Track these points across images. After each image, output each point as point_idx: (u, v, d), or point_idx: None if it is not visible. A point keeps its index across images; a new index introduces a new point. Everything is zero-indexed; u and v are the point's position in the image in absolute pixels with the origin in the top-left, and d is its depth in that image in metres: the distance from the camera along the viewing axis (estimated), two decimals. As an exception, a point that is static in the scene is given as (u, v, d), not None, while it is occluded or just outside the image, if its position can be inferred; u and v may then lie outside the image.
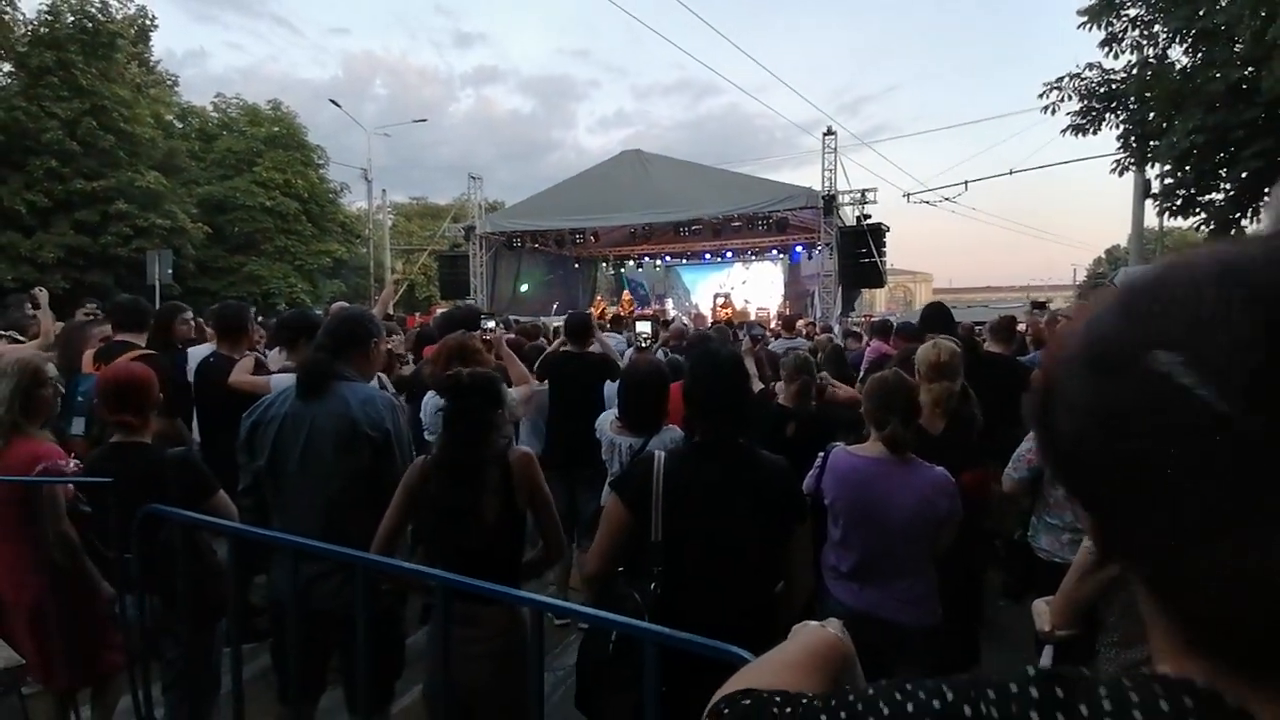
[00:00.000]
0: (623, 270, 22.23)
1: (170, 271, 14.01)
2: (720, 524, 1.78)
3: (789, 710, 0.57)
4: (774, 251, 19.10)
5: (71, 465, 2.43)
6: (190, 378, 3.65)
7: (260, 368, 3.65)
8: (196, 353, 3.82)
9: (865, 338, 7.37)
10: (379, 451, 2.19)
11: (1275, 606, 0.38)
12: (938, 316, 4.41)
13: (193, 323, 4.21)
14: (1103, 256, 45.27)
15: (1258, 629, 0.40)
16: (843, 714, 0.53)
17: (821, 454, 2.45)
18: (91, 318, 4.62)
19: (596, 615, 1.50)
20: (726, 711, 0.61)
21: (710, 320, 15.52)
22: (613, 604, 1.73)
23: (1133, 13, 8.92)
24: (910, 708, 0.49)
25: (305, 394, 2.21)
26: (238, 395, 3.24)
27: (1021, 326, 6.27)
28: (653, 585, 1.74)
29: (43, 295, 4.43)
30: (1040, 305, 8.56)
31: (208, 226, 21.79)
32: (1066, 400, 0.45)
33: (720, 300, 18.15)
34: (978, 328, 5.72)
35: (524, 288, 18.10)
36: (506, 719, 1.99)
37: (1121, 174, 10.08)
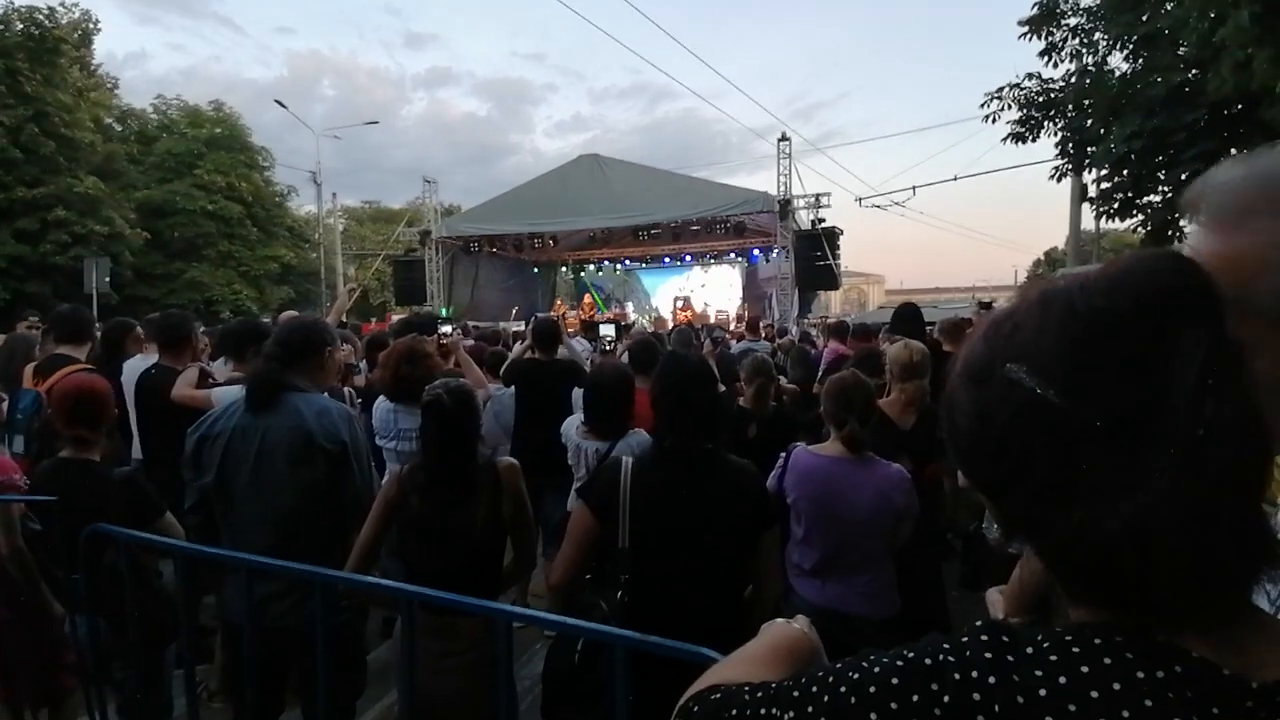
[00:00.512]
0: (582, 274, 22.18)
1: (108, 280, 13.35)
2: (688, 530, 1.77)
3: (759, 695, 0.58)
4: (732, 255, 19.32)
5: (22, 480, 2.30)
6: (129, 390, 3.49)
7: (205, 379, 3.51)
8: (133, 365, 3.65)
9: (822, 339, 7.52)
10: (335, 464, 2.13)
11: (1121, 566, 0.46)
12: (910, 317, 4.46)
13: (142, 337, 4.02)
14: (1041, 258, 47.11)
15: (1120, 585, 0.47)
16: (814, 689, 0.55)
17: (783, 454, 2.50)
18: (34, 329, 4.41)
19: (566, 623, 1.49)
20: (696, 709, 0.62)
21: (671, 323, 15.60)
22: (579, 613, 1.71)
23: (1073, 22, 9.31)
24: (877, 670, 0.53)
25: (255, 406, 2.14)
26: (181, 409, 3.11)
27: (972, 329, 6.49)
28: (619, 593, 1.73)
29: None
30: (986, 305, 8.88)
31: (146, 232, 20.90)
32: (957, 404, 0.55)
33: (680, 303, 18.27)
34: (928, 327, 5.88)
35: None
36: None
37: (1060, 180, 10.53)
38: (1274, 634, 0.48)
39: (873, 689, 0.52)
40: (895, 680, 0.51)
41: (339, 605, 1.97)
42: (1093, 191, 10.36)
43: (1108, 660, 0.47)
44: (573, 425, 3.19)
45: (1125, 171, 9.21)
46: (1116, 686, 0.45)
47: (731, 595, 1.84)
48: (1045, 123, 9.79)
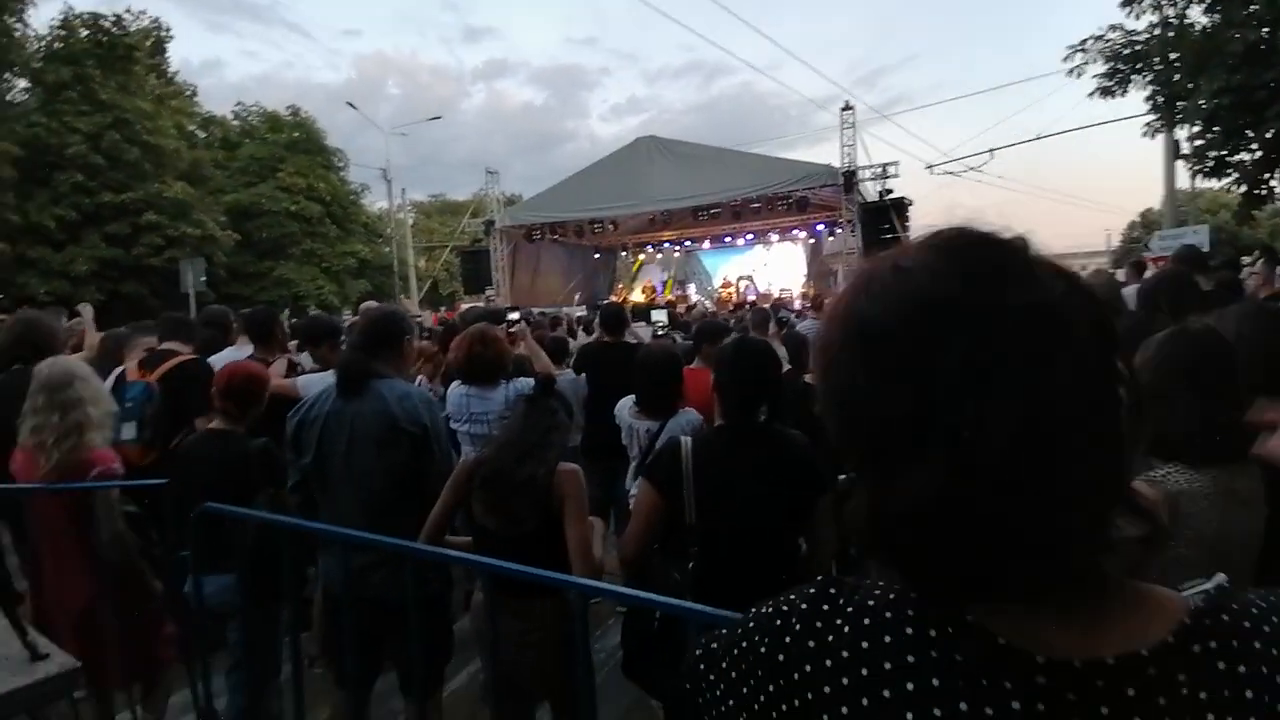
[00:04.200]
0: (642, 257, 22.18)
1: (204, 279, 14.33)
2: (750, 503, 1.84)
3: (723, 629, 0.61)
4: (795, 231, 18.89)
5: (119, 468, 2.50)
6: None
7: (293, 369, 3.75)
8: (227, 356, 3.90)
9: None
10: (418, 446, 2.25)
11: (905, 547, 0.48)
12: None
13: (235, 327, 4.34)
14: (1137, 220, 43.79)
15: (911, 563, 0.49)
16: (736, 627, 0.59)
17: None
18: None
19: (640, 597, 1.54)
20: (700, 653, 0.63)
21: (714, 303, 15.46)
22: (652, 582, 1.78)
23: None
24: (751, 618, 0.58)
25: (345, 392, 2.28)
26: (273, 397, 3.32)
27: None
28: (690, 564, 1.80)
29: (87, 311, 4.60)
30: (1073, 274, 8.37)
31: (236, 234, 22.18)
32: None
33: (744, 283, 18.08)
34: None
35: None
36: (560, 699, 2.07)
37: (1153, 136, 9.83)
38: (1114, 609, 0.48)
39: (734, 637, 0.57)
40: (750, 626, 0.56)
41: (428, 577, 2.08)
42: (1186, 149, 9.61)
43: (909, 630, 0.49)
44: (625, 406, 3.24)
45: (1216, 128, 8.56)
46: (910, 659, 0.48)
47: (793, 560, 1.91)
48: (1133, 76, 9.14)
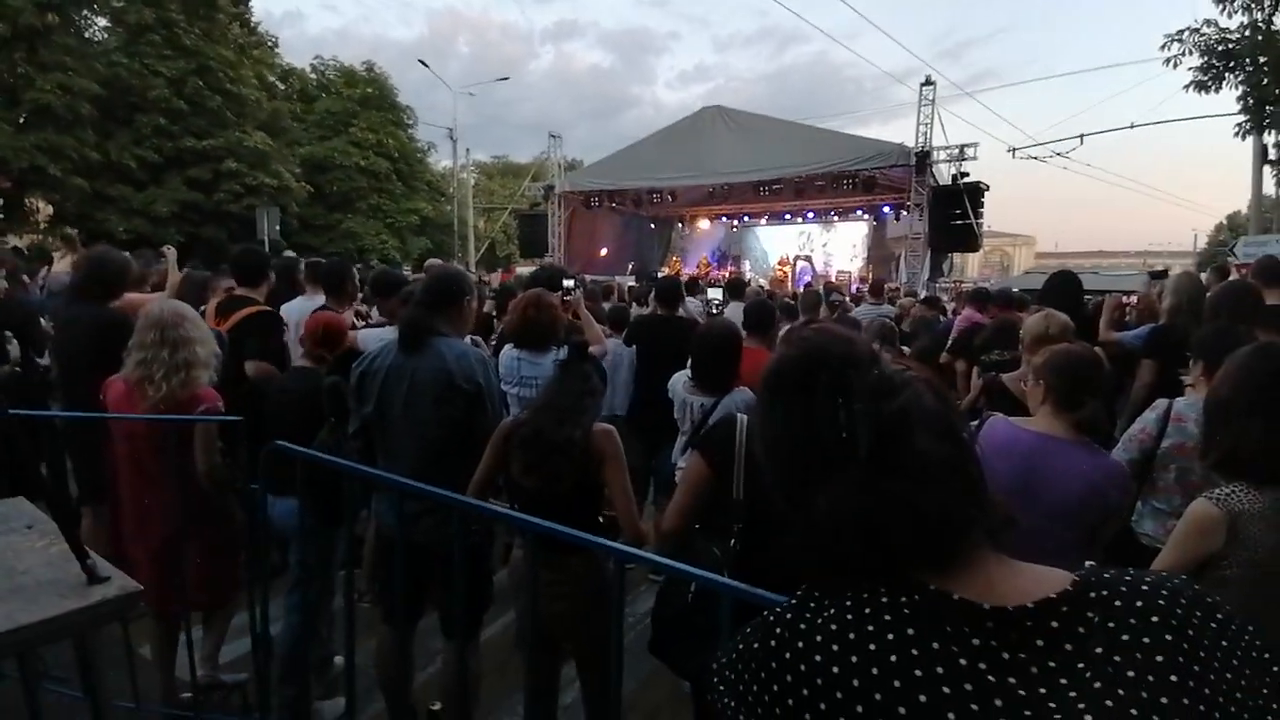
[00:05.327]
0: (698, 229, 21.96)
1: (278, 228, 14.94)
2: None
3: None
4: (859, 211, 18.33)
5: (221, 406, 2.66)
6: (295, 330, 3.90)
7: (361, 319, 3.91)
8: (300, 305, 4.04)
9: (953, 305, 7.05)
10: (472, 403, 2.34)
11: (838, 536, 0.62)
12: (1063, 289, 3.74)
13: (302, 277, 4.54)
14: (1224, 223, 40.79)
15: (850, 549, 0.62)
16: (747, 628, 0.68)
17: (975, 422, 2.35)
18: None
19: (677, 567, 1.58)
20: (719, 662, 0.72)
21: (770, 282, 15.21)
22: (691, 558, 1.80)
23: None
24: (752, 625, 0.68)
25: (406, 348, 2.38)
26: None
27: (1133, 299, 5.83)
28: (732, 541, 1.82)
29: (171, 253, 4.88)
30: (1160, 274, 7.85)
31: (310, 185, 22.86)
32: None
33: (800, 262, 17.73)
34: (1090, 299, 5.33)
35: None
36: (585, 654, 2.16)
37: (1244, 137, 9.18)
38: (1014, 573, 0.62)
39: (741, 641, 0.67)
40: (749, 631, 0.67)
41: (471, 529, 2.18)
42: (1274, 154, 8.97)
43: (884, 600, 0.61)
44: (679, 380, 3.26)
45: (1300, 137, 8.00)
46: (887, 618, 0.60)
47: None
48: (1226, 74, 8.54)
